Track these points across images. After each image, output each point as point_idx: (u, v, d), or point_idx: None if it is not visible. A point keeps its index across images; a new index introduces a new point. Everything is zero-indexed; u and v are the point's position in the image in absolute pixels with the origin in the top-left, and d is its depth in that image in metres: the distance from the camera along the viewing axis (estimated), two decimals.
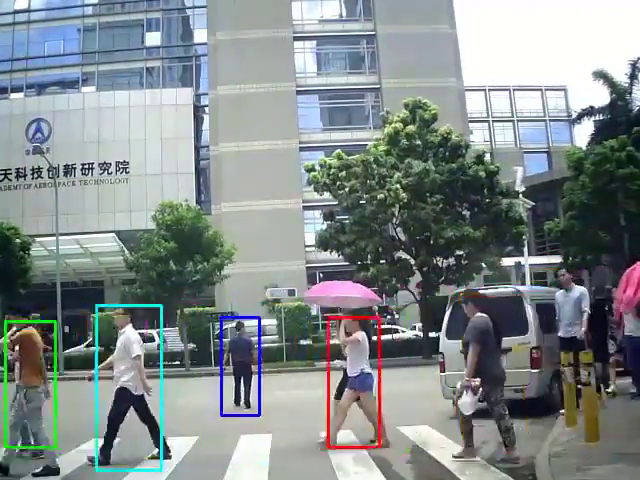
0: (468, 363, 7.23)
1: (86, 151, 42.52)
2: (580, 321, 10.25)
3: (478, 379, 7.22)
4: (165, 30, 48.54)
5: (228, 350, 15.05)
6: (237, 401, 14.10)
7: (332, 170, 26.82)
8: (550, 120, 60.56)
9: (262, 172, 38.78)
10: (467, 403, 7.21)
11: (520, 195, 30.16)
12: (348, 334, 8.86)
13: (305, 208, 40.41)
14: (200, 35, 46.72)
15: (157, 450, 8.32)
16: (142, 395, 8.36)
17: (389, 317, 24.94)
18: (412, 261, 27.18)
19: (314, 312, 33.41)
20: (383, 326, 25.57)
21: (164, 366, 26.73)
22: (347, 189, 26.55)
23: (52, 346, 24.11)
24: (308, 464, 7.92)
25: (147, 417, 8.40)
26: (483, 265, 27.08)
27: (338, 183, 26.87)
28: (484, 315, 7.53)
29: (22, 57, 46.65)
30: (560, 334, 10.50)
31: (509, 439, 7.34)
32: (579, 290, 10.68)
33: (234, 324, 15.91)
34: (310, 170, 27.89)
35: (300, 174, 36.50)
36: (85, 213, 41.29)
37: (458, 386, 7.44)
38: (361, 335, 8.76)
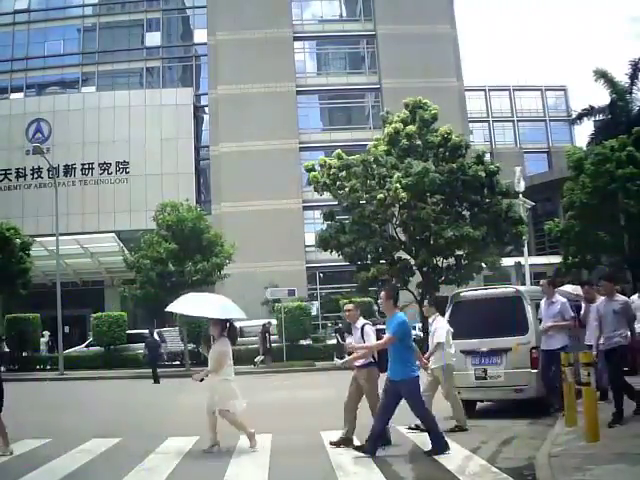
0: None
1: (86, 151, 42.54)
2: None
3: None
4: (165, 30, 48.60)
5: None
6: None
7: (332, 170, 26.78)
8: (550, 120, 60.62)
9: (262, 172, 38.78)
10: None
11: (520, 195, 30.14)
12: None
13: (305, 208, 40.41)
14: (200, 35, 46.74)
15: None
16: None
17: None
18: (412, 261, 27.14)
19: (314, 312, 33.39)
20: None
21: (164, 366, 26.73)
22: (347, 189, 26.49)
23: None
24: (308, 464, 7.92)
25: None
26: (483, 265, 27.03)
27: (338, 183, 26.83)
28: None
29: (22, 57, 46.71)
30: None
31: None
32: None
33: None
34: (310, 170, 27.84)
35: (300, 174, 36.52)
36: (85, 213, 41.33)
37: None
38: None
